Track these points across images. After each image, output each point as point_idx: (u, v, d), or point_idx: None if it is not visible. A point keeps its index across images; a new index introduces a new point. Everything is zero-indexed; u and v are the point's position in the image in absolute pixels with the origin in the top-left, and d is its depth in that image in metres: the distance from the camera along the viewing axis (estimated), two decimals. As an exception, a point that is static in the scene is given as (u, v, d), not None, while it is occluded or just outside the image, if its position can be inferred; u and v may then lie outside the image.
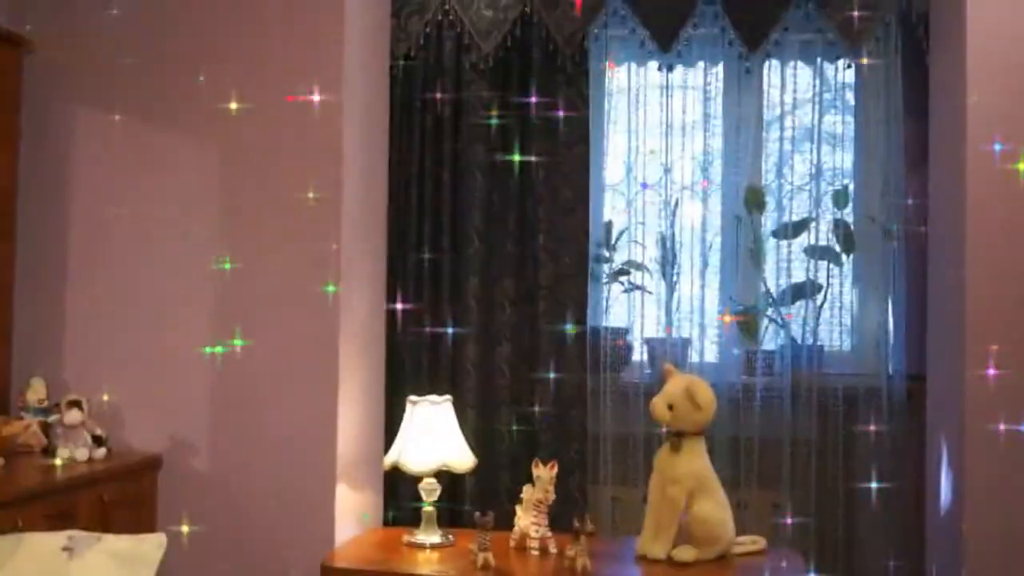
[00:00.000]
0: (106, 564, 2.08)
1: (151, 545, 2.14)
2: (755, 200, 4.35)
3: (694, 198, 4.43)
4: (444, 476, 3.67)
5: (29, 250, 3.76)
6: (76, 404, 3.49)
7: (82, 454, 3.45)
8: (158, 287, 3.73)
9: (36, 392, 3.60)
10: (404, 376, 4.42)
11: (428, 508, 3.59)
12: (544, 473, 3.44)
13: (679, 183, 4.43)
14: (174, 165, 3.75)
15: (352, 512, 3.75)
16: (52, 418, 3.56)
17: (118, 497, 3.40)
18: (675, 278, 4.41)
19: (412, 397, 3.70)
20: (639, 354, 4.50)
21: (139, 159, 3.77)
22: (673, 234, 4.41)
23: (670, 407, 3.35)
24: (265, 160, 3.69)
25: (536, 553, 3.42)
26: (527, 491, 3.50)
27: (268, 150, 3.68)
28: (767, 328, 4.40)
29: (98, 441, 3.51)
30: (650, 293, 4.43)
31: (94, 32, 3.80)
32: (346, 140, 3.66)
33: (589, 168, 4.41)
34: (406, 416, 3.64)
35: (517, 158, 4.39)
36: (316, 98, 3.63)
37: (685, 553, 3.30)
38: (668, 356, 4.26)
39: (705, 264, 4.39)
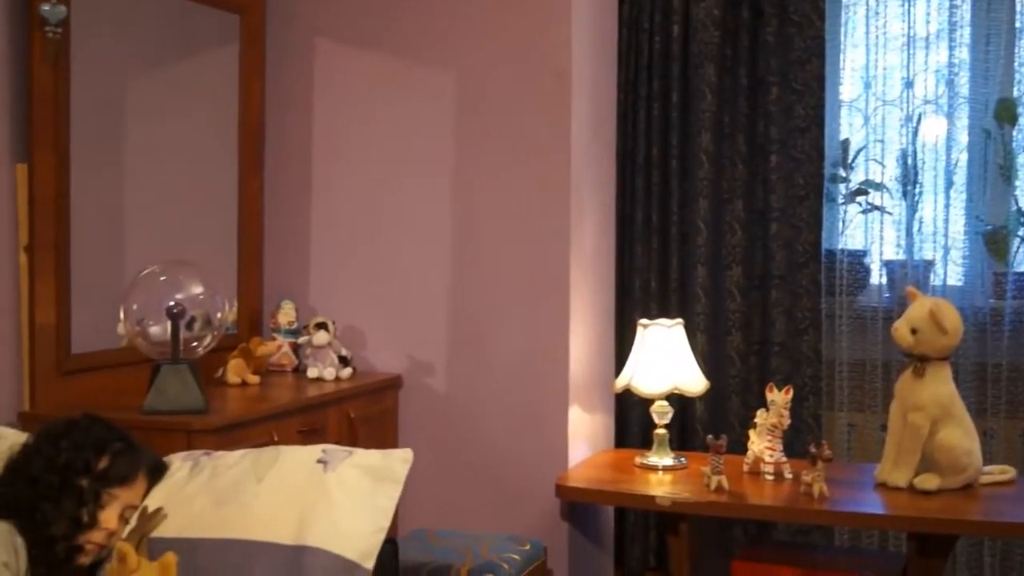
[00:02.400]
0: (358, 476, 2.18)
1: (398, 459, 2.23)
2: (1007, 113, 4.08)
3: (937, 112, 4.20)
4: (674, 400, 3.66)
5: (276, 180, 3.94)
6: (323, 326, 3.67)
7: (329, 373, 3.62)
8: (398, 214, 3.85)
9: (286, 315, 3.80)
10: (633, 299, 4.43)
11: (660, 431, 3.59)
12: (779, 398, 3.39)
13: (921, 97, 4.20)
14: (411, 95, 3.83)
15: (584, 433, 3.80)
16: (301, 339, 3.75)
17: (363, 414, 3.57)
18: (916, 197, 4.21)
19: (643, 320, 3.69)
20: (877, 277, 4.34)
21: (378, 90, 3.87)
22: (914, 151, 4.20)
23: (913, 331, 3.22)
24: (497, 87, 3.73)
25: (771, 478, 3.38)
26: (761, 416, 3.45)
27: (500, 76, 3.72)
28: (1018, 249, 4.15)
29: (344, 361, 3.68)
30: (889, 214, 4.25)
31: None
32: (575, 63, 3.65)
33: (824, 84, 4.24)
34: (637, 339, 3.65)
35: (748, 77, 4.27)
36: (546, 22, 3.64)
37: (928, 481, 3.19)
38: (909, 279, 4.08)
39: (949, 182, 4.17)
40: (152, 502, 2.24)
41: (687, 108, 4.34)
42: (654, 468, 3.55)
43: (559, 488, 3.44)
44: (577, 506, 3.71)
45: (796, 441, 3.85)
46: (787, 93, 4.25)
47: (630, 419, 4.39)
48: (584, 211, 3.77)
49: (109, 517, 2.18)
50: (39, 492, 2.14)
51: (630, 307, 4.37)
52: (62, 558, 2.12)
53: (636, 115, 4.40)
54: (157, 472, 2.31)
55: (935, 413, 3.19)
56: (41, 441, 2.22)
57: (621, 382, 3.66)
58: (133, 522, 2.21)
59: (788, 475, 3.38)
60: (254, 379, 3.48)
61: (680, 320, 3.69)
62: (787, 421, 3.40)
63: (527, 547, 3.35)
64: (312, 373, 3.64)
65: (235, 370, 3.46)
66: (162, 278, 2.96)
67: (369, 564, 2.12)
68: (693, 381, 3.61)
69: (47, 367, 2.96)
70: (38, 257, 2.93)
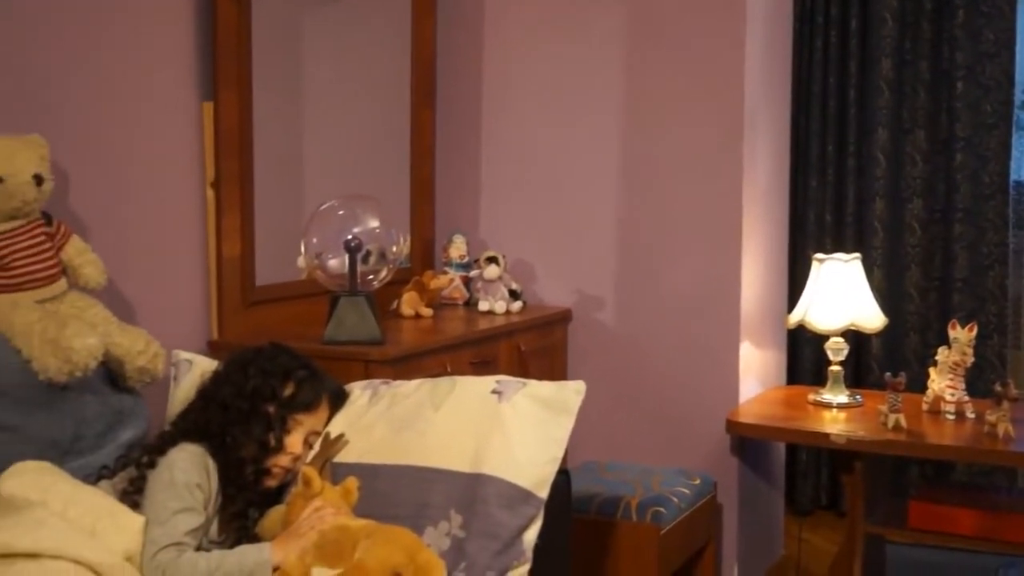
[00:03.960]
0: (531, 407, 2.21)
1: (572, 391, 2.24)
2: None
3: None
4: (849, 337, 3.57)
5: (448, 115, 3.98)
6: (494, 260, 3.71)
7: (500, 306, 3.66)
8: (568, 148, 3.84)
9: (458, 248, 3.85)
10: (807, 233, 4.33)
11: (835, 368, 3.51)
12: (962, 335, 3.26)
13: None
14: (583, 27, 3.79)
15: (755, 369, 3.75)
16: (473, 273, 3.80)
17: (533, 347, 3.60)
18: (1116, 125, 3.98)
19: (818, 255, 3.60)
20: (1070, 210, 4.13)
21: (549, 22, 3.84)
22: (1115, 75, 3.96)
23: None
24: (668, 18, 3.66)
25: (951, 417, 3.27)
26: (942, 353, 3.33)
27: (672, 6, 3.65)
28: None
29: (514, 295, 3.71)
30: (1085, 142, 4.03)
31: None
32: (749, -9, 3.56)
33: (1015, 7, 4.02)
34: (812, 274, 3.56)
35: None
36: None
37: (1124, 424, 3.04)
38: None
39: None
40: (334, 428, 2.32)
41: (866, 34, 4.19)
42: (828, 405, 3.48)
43: (730, 424, 3.41)
44: (747, 442, 3.68)
45: (979, 380, 3.72)
46: (974, 16, 4.05)
47: (802, 356, 4.33)
48: (757, 143, 3.69)
49: (294, 442, 2.26)
50: (229, 417, 2.24)
51: (804, 241, 4.28)
52: (251, 480, 2.22)
53: (812, 43, 4.28)
54: (339, 399, 2.38)
55: None
56: (231, 368, 2.32)
57: (795, 318, 3.59)
58: (316, 447, 2.29)
59: (970, 414, 3.26)
60: (427, 311, 3.55)
61: (857, 255, 3.58)
62: (970, 359, 3.27)
63: (697, 481, 3.34)
64: (483, 306, 3.68)
65: (409, 302, 3.53)
66: (340, 212, 3.04)
67: (543, 493, 2.15)
68: (870, 317, 3.51)
69: (233, 298, 3.09)
70: (224, 192, 3.04)
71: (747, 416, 3.46)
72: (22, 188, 2.29)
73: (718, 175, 3.60)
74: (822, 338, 3.55)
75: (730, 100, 3.57)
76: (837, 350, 3.51)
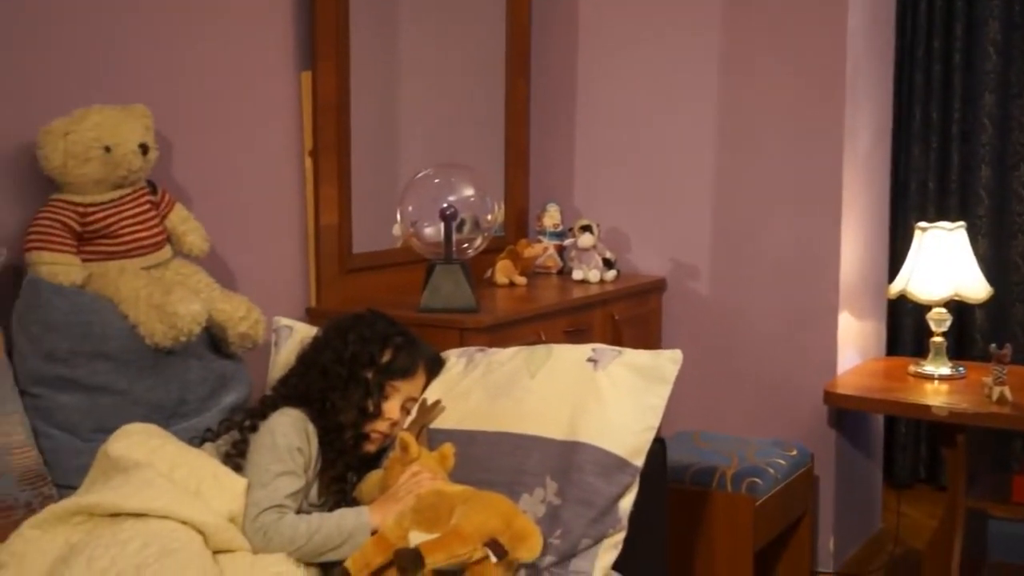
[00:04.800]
0: (627, 376, 2.20)
1: (668, 359, 2.22)
2: None
3: None
4: (951, 307, 3.49)
5: (542, 84, 3.97)
6: (588, 228, 3.69)
7: (594, 275, 3.65)
8: (663, 115, 3.80)
9: (551, 217, 3.84)
10: (909, 202, 4.23)
11: (937, 339, 3.44)
12: (1071, 306, 3.17)
13: None
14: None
15: (854, 340, 3.69)
16: (567, 241, 3.79)
17: (627, 316, 3.59)
18: None
19: (921, 223, 3.52)
20: None
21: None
22: None
23: None
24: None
25: (1059, 390, 3.19)
26: (1050, 324, 3.24)
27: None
28: None
29: (608, 264, 3.69)
30: None
31: None
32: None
33: None
34: (914, 243, 3.48)
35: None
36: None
37: None
38: None
39: None
40: (431, 395, 2.34)
41: (972, -2, 4.07)
42: (929, 377, 3.41)
43: (827, 395, 3.36)
44: (845, 414, 3.63)
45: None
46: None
47: (903, 326, 4.25)
48: (859, 108, 3.61)
49: (392, 408, 2.29)
50: (329, 383, 2.26)
51: (905, 209, 4.19)
52: (350, 445, 2.25)
53: (916, 6, 4.16)
54: (435, 366, 2.40)
55: None
56: (330, 335, 2.35)
57: (896, 288, 3.51)
58: (413, 413, 2.31)
59: (1080, 388, 3.17)
60: (521, 280, 3.55)
61: (962, 223, 3.49)
62: (1081, 331, 3.18)
63: (793, 453, 3.31)
64: (577, 275, 3.68)
65: (503, 271, 3.54)
66: (436, 181, 3.05)
67: (638, 461, 2.15)
68: (974, 287, 3.42)
69: (331, 266, 3.13)
70: (322, 161, 3.07)
71: (845, 387, 3.41)
72: (128, 157, 2.34)
73: (818, 141, 3.53)
74: (924, 308, 3.47)
75: (831, 64, 3.49)
76: (940, 321, 3.43)
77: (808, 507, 3.39)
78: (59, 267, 2.26)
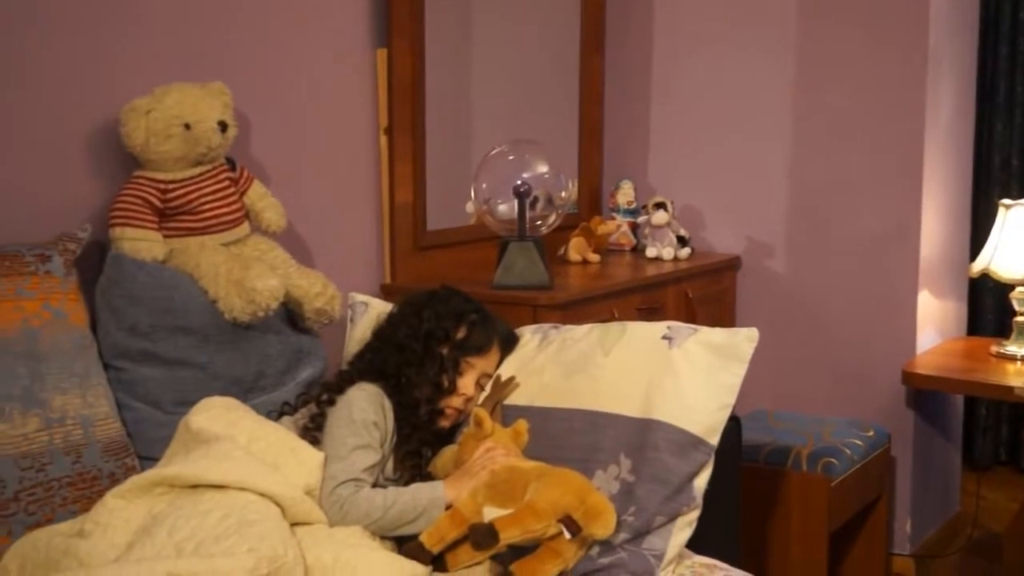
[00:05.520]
0: (703, 353, 2.18)
1: (744, 338, 2.19)
2: None
3: None
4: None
5: (617, 61, 3.94)
6: (662, 206, 3.67)
7: (668, 253, 3.63)
8: (738, 91, 3.76)
9: (625, 194, 3.82)
10: (992, 178, 4.14)
11: (1020, 319, 3.36)
12: None
13: None
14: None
15: (934, 319, 3.63)
16: (640, 219, 3.77)
17: (701, 294, 3.56)
18: None
19: (1004, 200, 3.44)
20: None
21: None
22: None
23: None
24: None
25: None
26: None
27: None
28: None
29: (682, 241, 3.67)
30: None
31: None
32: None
33: None
34: (998, 220, 3.40)
35: None
36: None
37: None
38: None
39: None
40: (505, 371, 2.34)
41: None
42: (1012, 358, 3.34)
43: (906, 375, 3.31)
44: (924, 395, 3.57)
45: None
46: None
47: (984, 306, 4.16)
48: (941, 82, 3.53)
49: (466, 384, 2.30)
50: (404, 358, 2.28)
51: (988, 186, 4.10)
52: (425, 420, 2.26)
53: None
54: (509, 343, 2.40)
55: None
56: (406, 311, 2.36)
57: (978, 266, 3.44)
58: (488, 389, 2.32)
59: None
60: (594, 257, 3.54)
61: (1047, 199, 3.40)
62: None
63: (870, 433, 3.26)
64: (651, 252, 3.65)
65: (576, 248, 3.53)
66: (510, 157, 3.05)
67: (713, 440, 2.13)
68: (1060, 266, 3.34)
69: (405, 243, 3.14)
70: (397, 139, 3.08)
71: (924, 367, 3.35)
72: (207, 134, 2.37)
73: (899, 116, 3.47)
74: (1006, 288, 3.40)
75: (913, 37, 3.42)
76: (1023, 300, 3.35)
77: (885, 489, 3.35)
78: (142, 243, 2.31)
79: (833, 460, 3.03)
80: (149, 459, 2.19)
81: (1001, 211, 3.39)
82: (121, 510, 1.93)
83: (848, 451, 3.10)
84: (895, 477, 3.53)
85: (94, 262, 2.33)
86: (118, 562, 1.78)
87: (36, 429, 2.02)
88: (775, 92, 3.68)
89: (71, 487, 2.05)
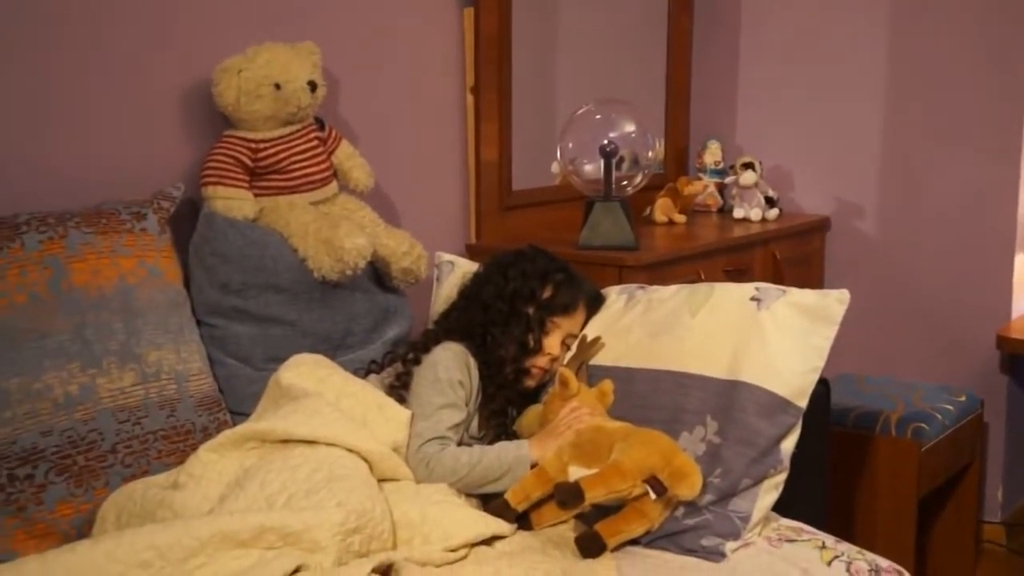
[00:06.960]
0: (792, 315, 2.14)
1: (835, 299, 2.15)
2: None
3: None
4: None
5: (705, 20, 3.88)
6: (750, 166, 3.62)
7: (755, 214, 3.58)
8: (829, 50, 3.68)
9: (712, 154, 3.78)
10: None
11: (1122, 283, 3.27)
12: None
13: None
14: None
15: (1030, 283, 3.54)
16: (728, 179, 3.73)
17: (789, 256, 3.51)
18: None
19: (1108, 161, 3.33)
20: None
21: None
22: None
23: None
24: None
25: None
26: None
27: None
28: None
29: (770, 202, 3.61)
30: None
31: None
32: None
33: None
34: (1100, 182, 3.30)
35: None
36: None
37: None
38: None
39: None
40: (591, 331, 2.33)
41: None
42: (1113, 323, 3.25)
43: (1000, 339, 3.24)
44: (1019, 360, 3.48)
45: None
46: None
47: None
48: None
49: (552, 343, 2.30)
50: (490, 317, 2.29)
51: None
52: (510, 379, 2.27)
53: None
54: (595, 303, 2.40)
55: None
56: (491, 270, 2.37)
57: (1078, 229, 3.34)
58: (573, 349, 2.32)
59: None
60: (680, 218, 3.51)
61: None
62: None
63: (962, 399, 3.20)
64: (738, 213, 3.61)
65: (662, 209, 3.51)
66: (596, 117, 3.03)
67: (802, 403, 2.10)
68: None
69: (491, 203, 3.14)
70: (483, 98, 3.08)
71: (1020, 332, 3.27)
72: (297, 94, 2.39)
73: (996, 73, 3.37)
74: (1109, 251, 3.30)
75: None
76: (1125, 265, 3.26)
77: (976, 455, 3.28)
78: (233, 201, 2.34)
79: (924, 425, 2.97)
80: (240, 414, 2.23)
81: (1104, 172, 3.29)
82: (214, 463, 1.97)
83: (939, 416, 3.05)
84: (987, 444, 3.46)
85: (188, 220, 2.37)
86: (212, 514, 1.83)
87: (132, 383, 2.07)
88: (867, 49, 3.59)
89: (165, 440, 2.10)
